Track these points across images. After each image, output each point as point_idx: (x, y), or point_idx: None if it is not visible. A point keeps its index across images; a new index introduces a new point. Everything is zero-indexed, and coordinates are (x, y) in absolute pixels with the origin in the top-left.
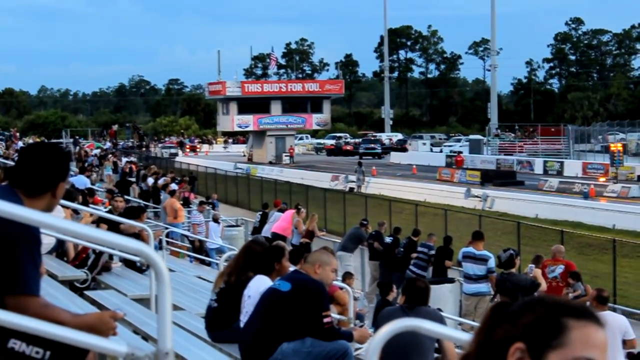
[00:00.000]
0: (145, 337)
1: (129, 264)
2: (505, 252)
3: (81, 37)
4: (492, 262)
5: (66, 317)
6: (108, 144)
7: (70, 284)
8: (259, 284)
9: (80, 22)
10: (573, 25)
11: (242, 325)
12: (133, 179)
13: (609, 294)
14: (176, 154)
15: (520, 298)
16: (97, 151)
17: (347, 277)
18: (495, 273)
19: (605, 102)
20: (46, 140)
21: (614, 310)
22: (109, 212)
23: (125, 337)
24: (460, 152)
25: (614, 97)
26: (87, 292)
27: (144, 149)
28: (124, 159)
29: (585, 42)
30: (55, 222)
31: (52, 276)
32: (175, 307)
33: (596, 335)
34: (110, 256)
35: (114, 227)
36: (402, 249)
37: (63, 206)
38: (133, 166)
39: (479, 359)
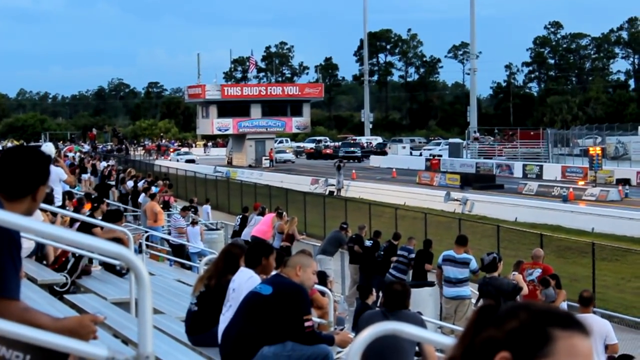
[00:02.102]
0: (126, 341)
1: (108, 267)
2: (488, 255)
3: (60, 39)
4: (474, 264)
5: (46, 320)
6: (87, 147)
7: (49, 288)
8: (243, 277)
9: (58, 24)
10: (552, 29)
11: (222, 317)
12: (112, 183)
13: (591, 294)
14: (193, 161)
15: (503, 302)
16: (77, 154)
17: (327, 280)
18: (479, 272)
19: (584, 105)
20: (25, 144)
21: (593, 313)
22: (91, 215)
23: (106, 341)
24: (440, 156)
25: (593, 100)
26: (66, 296)
27: (123, 152)
28: (103, 163)
29: (564, 46)
30: (35, 226)
31: (32, 280)
32: (155, 311)
33: (582, 345)
34: (90, 260)
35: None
36: (381, 252)
37: (42, 209)
38: (112, 170)
39: None
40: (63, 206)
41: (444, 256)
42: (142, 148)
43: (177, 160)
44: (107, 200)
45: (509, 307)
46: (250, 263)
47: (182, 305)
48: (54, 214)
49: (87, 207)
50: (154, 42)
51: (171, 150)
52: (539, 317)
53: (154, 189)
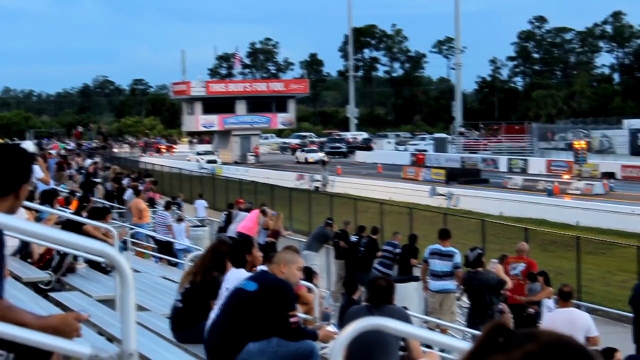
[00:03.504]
0: (111, 339)
1: (94, 265)
2: (472, 251)
3: (44, 37)
4: (458, 258)
5: (30, 319)
6: (72, 145)
7: (34, 286)
8: (237, 277)
9: (43, 22)
10: (537, 24)
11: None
12: (99, 180)
13: (571, 289)
14: (215, 162)
15: (488, 296)
16: (62, 152)
17: (313, 276)
18: (461, 269)
19: (569, 100)
20: (10, 142)
21: (579, 307)
22: (77, 214)
23: (90, 338)
24: (425, 151)
25: (578, 95)
26: (51, 294)
27: (107, 149)
28: (88, 160)
29: (549, 40)
30: (19, 224)
31: (17, 278)
32: (141, 308)
33: None
34: (75, 257)
35: (78, 228)
36: (362, 248)
37: (26, 208)
38: (98, 168)
39: None
40: (50, 204)
41: (430, 250)
42: (127, 145)
43: (198, 161)
44: (93, 198)
45: (524, 333)
46: (238, 264)
47: (168, 303)
48: (38, 212)
49: (74, 205)
50: (138, 40)
51: (163, 147)
52: (552, 356)
53: (139, 187)
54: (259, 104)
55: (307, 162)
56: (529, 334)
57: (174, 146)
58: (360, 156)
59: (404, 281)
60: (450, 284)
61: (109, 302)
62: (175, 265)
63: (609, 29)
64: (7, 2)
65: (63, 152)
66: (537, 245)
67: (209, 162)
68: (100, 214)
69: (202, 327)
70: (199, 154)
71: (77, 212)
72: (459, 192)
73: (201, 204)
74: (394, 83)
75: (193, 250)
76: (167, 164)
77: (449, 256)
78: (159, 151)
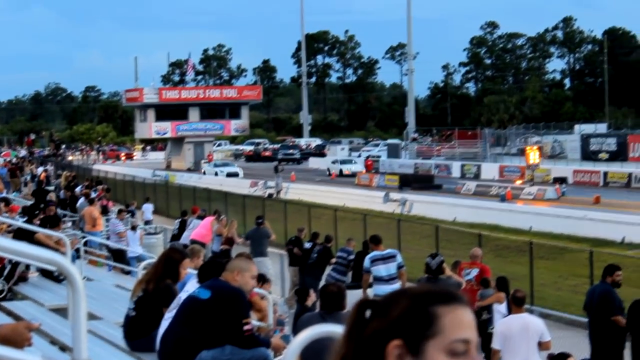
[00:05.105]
0: (63, 348)
1: (46, 273)
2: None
3: None
4: (400, 257)
5: None
6: (24, 152)
7: None
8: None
9: None
10: (488, 29)
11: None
12: (51, 188)
13: (524, 294)
14: (237, 174)
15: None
16: (13, 160)
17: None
18: (404, 267)
19: (520, 105)
20: None
21: (531, 312)
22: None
23: (42, 348)
24: (379, 157)
25: (529, 100)
26: (3, 303)
27: (59, 157)
28: (40, 168)
29: (501, 46)
30: None
31: None
32: (93, 317)
33: (466, 316)
34: (27, 266)
35: (30, 236)
36: (315, 255)
37: None
38: (50, 175)
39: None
40: None
41: (370, 258)
42: (79, 152)
43: (216, 174)
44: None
45: (389, 296)
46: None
47: (121, 311)
48: None
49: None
50: (90, 46)
51: (122, 155)
52: (420, 299)
53: (92, 194)
54: (212, 111)
55: (341, 175)
56: (395, 294)
57: (134, 154)
58: (314, 162)
59: (357, 287)
60: (397, 287)
61: (61, 311)
62: (128, 273)
63: (559, 34)
64: None
65: (14, 160)
66: (490, 250)
67: (229, 174)
68: (52, 222)
69: (155, 335)
70: (216, 165)
71: (29, 220)
72: (412, 197)
73: (148, 207)
74: (347, 89)
75: (146, 258)
76: (120, 170)
77: (391, 257)
78: (118, 158)
